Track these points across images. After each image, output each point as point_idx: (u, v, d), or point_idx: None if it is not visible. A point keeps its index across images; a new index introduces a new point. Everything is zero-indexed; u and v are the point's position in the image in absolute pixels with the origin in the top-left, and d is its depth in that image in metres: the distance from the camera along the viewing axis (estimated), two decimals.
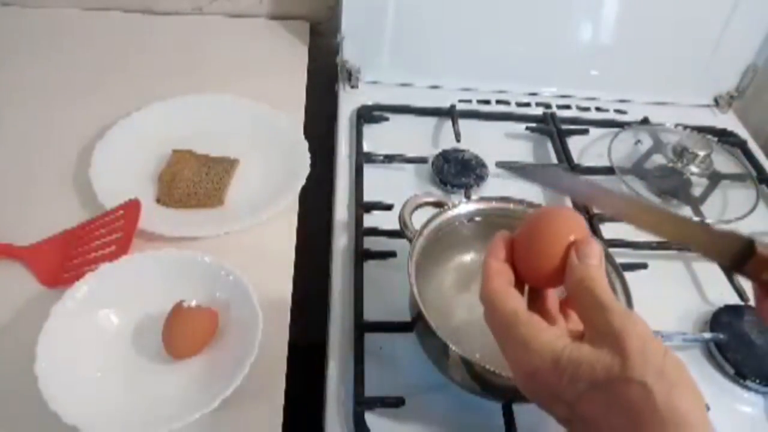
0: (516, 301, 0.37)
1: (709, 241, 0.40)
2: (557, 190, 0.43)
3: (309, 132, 0.75)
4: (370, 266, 0.63)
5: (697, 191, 0.77)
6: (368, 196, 0.70)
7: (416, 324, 0.55)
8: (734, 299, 0.65)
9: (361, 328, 0.57)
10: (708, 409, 0.55)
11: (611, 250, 0.56)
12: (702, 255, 0.40)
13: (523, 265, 0.40)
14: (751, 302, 0.64)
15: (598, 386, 0.32)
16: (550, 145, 0.82)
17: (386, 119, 0.83)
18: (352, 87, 0.88)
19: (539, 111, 0.88)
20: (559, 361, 0.33)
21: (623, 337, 0.32)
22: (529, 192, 0.74)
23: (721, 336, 0.61)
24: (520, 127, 0.84)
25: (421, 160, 0.76)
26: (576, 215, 0.41)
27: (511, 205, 0.58)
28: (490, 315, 0.38)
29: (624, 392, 0.31)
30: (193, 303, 0.54)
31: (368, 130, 0.80)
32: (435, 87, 0.90)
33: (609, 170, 0.77)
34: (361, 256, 0.64)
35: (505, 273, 0.39)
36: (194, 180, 0.68)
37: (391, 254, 0.63)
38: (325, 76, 0.90)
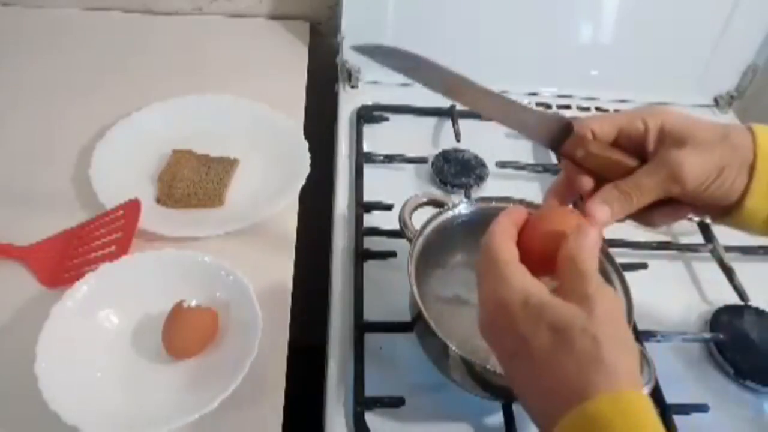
0: (511, 252, 0.40)
1: (534, 122, 0.45)
2: (412, 77, 0.46)
3: (309, 132, 0.75)
4: (370, 266, 0.63)
5: None
6: (368, 196, 0.70)
7: (416, 324, 0.55)
8: (734, 299, 0.65)
9: (361, 328, 0.57)
10: (708, 409, 0.55)
11: (611, 250, 0.56)
12: (528, 136, 0.47)
13: (524, 254, 0.41)
14: (751, 302, 0.64)
15: (557, 329, 0.34)
16: None
17: (386, 119, 0.83)
18: (352, 87, 0.88)
19: None
20: (529, 299, 0.36)
21: (594, 300, 0.35)
22: (529, 192, 0.75)
23: (721, 336, 0.61)
24: None
25: (421, 160, 0.76)
26: (577, 216, 0.42)
27: (511, 205, 0.58)
28: (484, 255, 0.40)
29: (578, 339, 0.34)
30: (193, 303, 0.54)
31: (368, 130, 0.80)
32: None
33: None
34: (361, 256, 0.64)
35: (511, 231, 0.41)
36: (194, 180, 0.68)
37: (391, 254, 0.63)
38: (325, 76, 0.90)
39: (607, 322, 0.34)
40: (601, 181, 0.44)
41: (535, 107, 0.46)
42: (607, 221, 0.42)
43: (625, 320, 0.36)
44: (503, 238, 0.40)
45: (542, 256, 0.40)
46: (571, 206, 0.47)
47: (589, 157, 0.44)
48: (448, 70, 0.49)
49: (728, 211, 0.44)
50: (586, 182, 0.45)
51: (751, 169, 0.42)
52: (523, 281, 0.37)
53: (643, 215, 0.45)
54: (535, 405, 0.36)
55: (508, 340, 0.37)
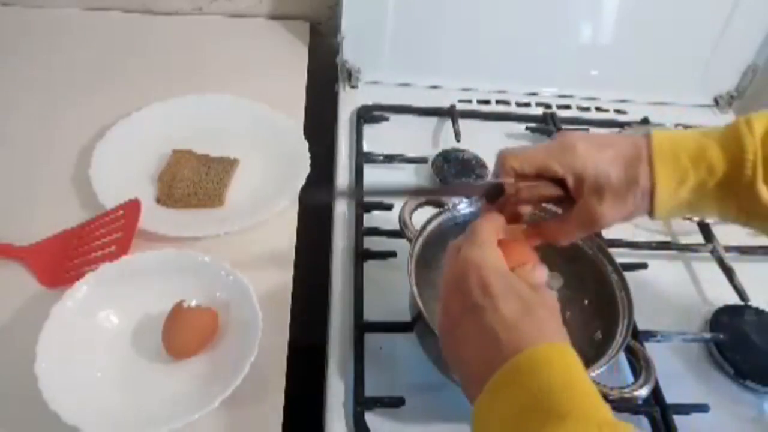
0: (493, 234, 0.43)
1: (475, 191, 0.53)
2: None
3: (309, 132, 0.75)
4: (370, 266, 0.63)
5: None
6: (368, 196, 0.70)
7: (416, 324, 0.55)
8: (734, 299, 0.65)
9: (361, 328, 0.57)
10: (708, 409, 0.55)
11: (611, 250, 0.56)
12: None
13: None
14: (751, 302, 0.64)
15: (523, 299, 0.39)
16: None
17: (386, 119, 0.83)
18: (352, 87, 0.88)
19: (539, 111, 0.88)
20: (505, 273, 0.41)
21: (547, 296, 0.41)
22: None
23: (721, 336, 0.61)
24: (520, 127, 0.84)
25: (421, 160, 0.76)
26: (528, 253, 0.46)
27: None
28: (469, 233, 0.43)
29: (538, 309, 0.38)
30: (193, 303, 0.54)
31: (368, 130, 0.80)
32: (435, 87, 0.90)
33: None
34: (361, 256, 0.64)
35: (498, 223, 0.45)
36: (194, 180, 0.68)
37: (391, 254, 0.63)
38: (325, 76, 0.90)
39: (555, 310, 0.40)
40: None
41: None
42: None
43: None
44: (490, 225, 0.44)
45: None
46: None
47: (520, 197, 0.48)
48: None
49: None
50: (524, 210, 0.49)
51: (652, 192, 0.45)
52: (497, 255, 0.42)
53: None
54: (476, 356, 0.38)
55: (474, 295, 0.39)
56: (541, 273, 0.43)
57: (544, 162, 0.46)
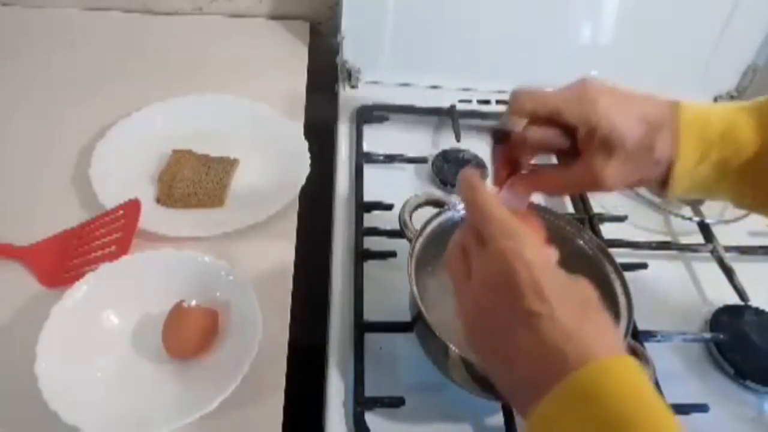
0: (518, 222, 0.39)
1: None
2: None
3: (309, 132, 0.75)
4: (370, 266, 0.63)
5: None
6: (368, 196, 0.70)
7: (416, 324, 0.55)
8: (734, 299, 0.65)
9: (361, 328, 0.57)
10: (708, 409, 0.55)
11: (611, 250, 0.56)
12: None
13: None
14: (751, 302, 0.64)
15: (583, 302, 0.36)
16: None
17: (386, 119, 0.83)
18: (352, 87, 0.88)
19: None
20: (553, 263, 0.37)
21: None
22: None
23: (721, 336, 0.61)
24: None
25: (421, 160, 0.76)
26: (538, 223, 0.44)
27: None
28: (487, 220, 0.39)
29: (599, 312, 0.36)
30: (193, 303, 0.54)
31: (368, 130, 0.80)
32: (435, 87, 0.90)
33: None
34: (361, 256, 0.64)
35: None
36: (194, 180, 0.68)
37: (391, 254, 0.63)
38: (325, 76, 0.90)
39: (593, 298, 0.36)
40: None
41: None
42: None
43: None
44: (490, 194, 0.41)
45: None
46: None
47: (524, 142, 0.46)
48: None
49: (657, 189, 0.46)
50: (525, 161, 0.47)
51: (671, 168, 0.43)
52: (545, 253, 0.37)
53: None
54: (530, 366, 0.35)
55: (526, 300, 0.35)
56: (552, 253, 0.39)
57: (559, 108, 0.44)
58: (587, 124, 0.43)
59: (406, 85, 0.90)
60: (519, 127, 0.45)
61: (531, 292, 0.35)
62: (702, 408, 0.55)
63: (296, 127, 0.76)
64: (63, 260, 0.60)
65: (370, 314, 0.59)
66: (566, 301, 0.35)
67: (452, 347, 0.48)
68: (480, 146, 0.78)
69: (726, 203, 0.75)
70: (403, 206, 0.59)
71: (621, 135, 0.42)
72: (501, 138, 0.45)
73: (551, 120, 0.44)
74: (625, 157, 0.42)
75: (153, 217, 0.63)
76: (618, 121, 0.43)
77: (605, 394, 0.32)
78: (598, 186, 0.44)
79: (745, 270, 0.67)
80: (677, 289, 0.68)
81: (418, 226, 0.56)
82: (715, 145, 0.42)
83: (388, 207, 0.68)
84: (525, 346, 0.35)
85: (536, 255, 0.36)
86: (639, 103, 0.44)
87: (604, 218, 0.72)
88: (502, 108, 0.88)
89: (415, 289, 0.51)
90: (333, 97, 0.87)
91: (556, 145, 0.45)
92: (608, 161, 0.43)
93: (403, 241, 0.57)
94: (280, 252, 0.63)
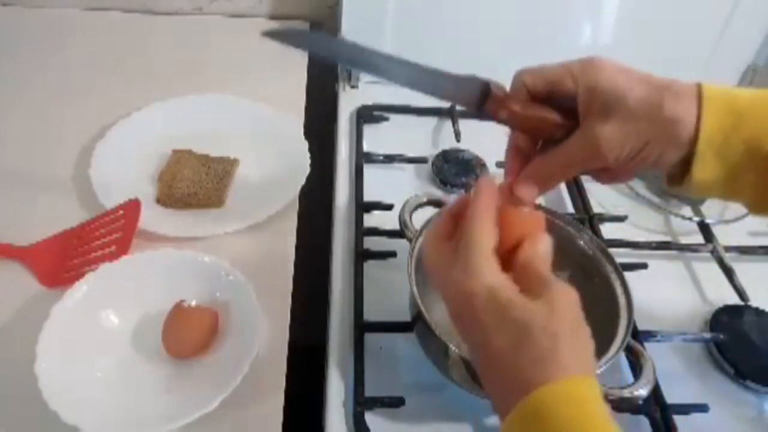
0: (491, 237, 0.39)
1: (455, 87, 0.45)
2: (322, 56, 0.48)
3: (309, 132, 0.75)
4: (370, 266, 0.63)
5: None
6: (368, 196, 0.70)
7: (416, 324, 0.55)
8: (734, 299, 0.65)
9: (361, 328, 0.57)
10: (708, 409, 0.55)
11: (611, 250, 0.56)
12: (449, 101, 0.47)
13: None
14: (751, 302, 0.64)
15: (519, 327, 0.35)
16: None
17: (386, 119, 0.83)
18: (352, 87, 0.88)
19: None
20: (497, 294, 0.36)
21: (553, 298, 0.36)
22: None
23: (721, 336, 0.61)
24: None
25: (421, 160, 0.76)
26: (537, 217, 0.42)
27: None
28: (464, 239, 0.39)
29: (538, 338, 0.35)
30: (193, 303, 0.54)
31: (368, 130, 0.80)
32: None
33: None
34: (361, 256, 0.64)
35: (493, 212, 0.40)
36: (194, 180, 0.68)
37: (391, 254, 0.63)
38: (325, 76, 0.90)
39: (567, 318, 0.36)
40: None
41: (451, 73, 0.44)
42: (535, 198, 0.43)
43: (579, 309, 0.37)
44: (485, 217, 0.39)
45: (504, 256, 0.40)
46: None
47: (513, 118, 0.43)
48: (353, 44, 0.47)
49: (677, 179, 0.42)
50: (522, 141, 0.44)
51: (692, 144, 0.39)
52: (493, 275, 0.37)
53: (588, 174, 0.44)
54: (495, 395, 0.37)
55: (474, 333, 0.37)
56: (545, 245, 0.39)
57: (559, 75, 0.41)
58: (587, 84, 0.40)
59: None
60: (500, 91, 0.43)
61: (474, 326, 0.37)
62: (702, 408, 0.55)
63: (296, 127, 0.76)
64: (63, 260, 0.60)
65: (370, 314, 0.59)
66: (501, 330, 0.35)
67: (452, 347, 0.48)
68: (480, 146, 0.78)
69: (725, 203, 0.76)
70: (403, 206, 0.59)
71: (622, 92, 0.39)
72: (481, 96, 0.43)
73: (550, 95, 0.43)
74: (626, 115, 0.39)
75: (153, 217, 0.63)
76: (621, 80, 0.40)
77: (552, 415, 0.33)
78: (598, 154, 0.40)
79: (745, 270, 0.67)
80: (677, 289, 0.68)
81: (418, 226, 0.56)
82: (745, 118, 0.37)
83: (388, 207, 0.68)
84: (488, 367, 0.37)
85: (484, 281, 0.37)
86: (653, 76, 0.41)
87: (604, 218, 0.72)
88: None
89: (415, 289, 0.51)
90: (333, 97, 0.87)
91: (546, 120, 0.42)
92: (607, 122, 0.39)
93: (403, 241, 0.57)
94: (280, 252, 0.63)
